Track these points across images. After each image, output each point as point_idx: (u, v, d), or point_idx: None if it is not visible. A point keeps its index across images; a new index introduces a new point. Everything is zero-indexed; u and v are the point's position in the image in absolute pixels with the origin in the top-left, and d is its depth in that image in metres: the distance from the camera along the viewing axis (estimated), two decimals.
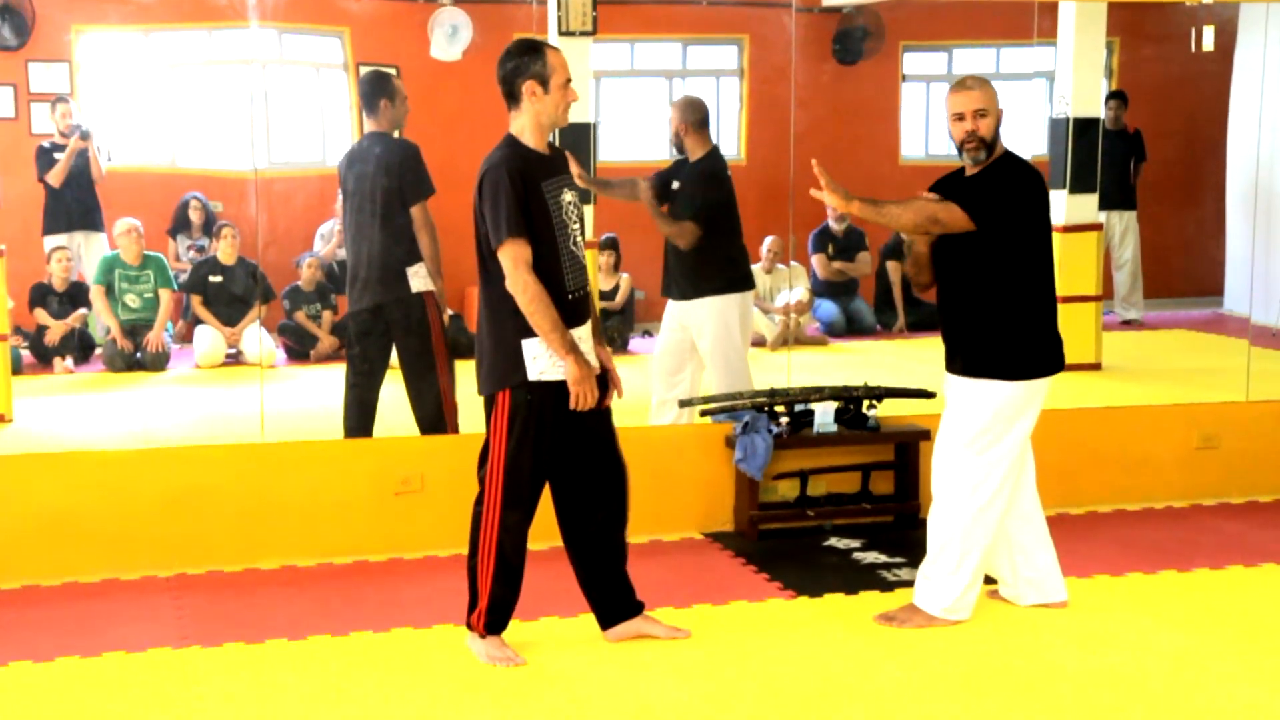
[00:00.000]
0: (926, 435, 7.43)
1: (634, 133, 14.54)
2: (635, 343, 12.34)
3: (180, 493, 6.79)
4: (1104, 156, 11.43)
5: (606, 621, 5.79)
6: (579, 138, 9.75)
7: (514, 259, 5.28)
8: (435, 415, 7.74)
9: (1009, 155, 5.83)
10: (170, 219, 12.89)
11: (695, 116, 7.95)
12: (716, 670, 5.44)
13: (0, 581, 6.51)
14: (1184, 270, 15.30)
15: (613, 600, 5.78)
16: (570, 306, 5.41)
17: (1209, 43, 13.73)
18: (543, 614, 6.02)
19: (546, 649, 5.65)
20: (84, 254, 11.95)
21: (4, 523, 6.58)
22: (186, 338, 11.94)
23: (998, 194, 5.73)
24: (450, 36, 12.80)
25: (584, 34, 9.83)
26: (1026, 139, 13.40)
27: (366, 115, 7.82)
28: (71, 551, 6.62)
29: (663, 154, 14.07)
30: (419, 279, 7.69)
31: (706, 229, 7.79)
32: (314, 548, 6.89)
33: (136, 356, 11.24)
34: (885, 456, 7.54)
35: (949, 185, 5.85)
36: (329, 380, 10.94)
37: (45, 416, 9.54)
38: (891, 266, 13.24)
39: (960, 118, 5.83)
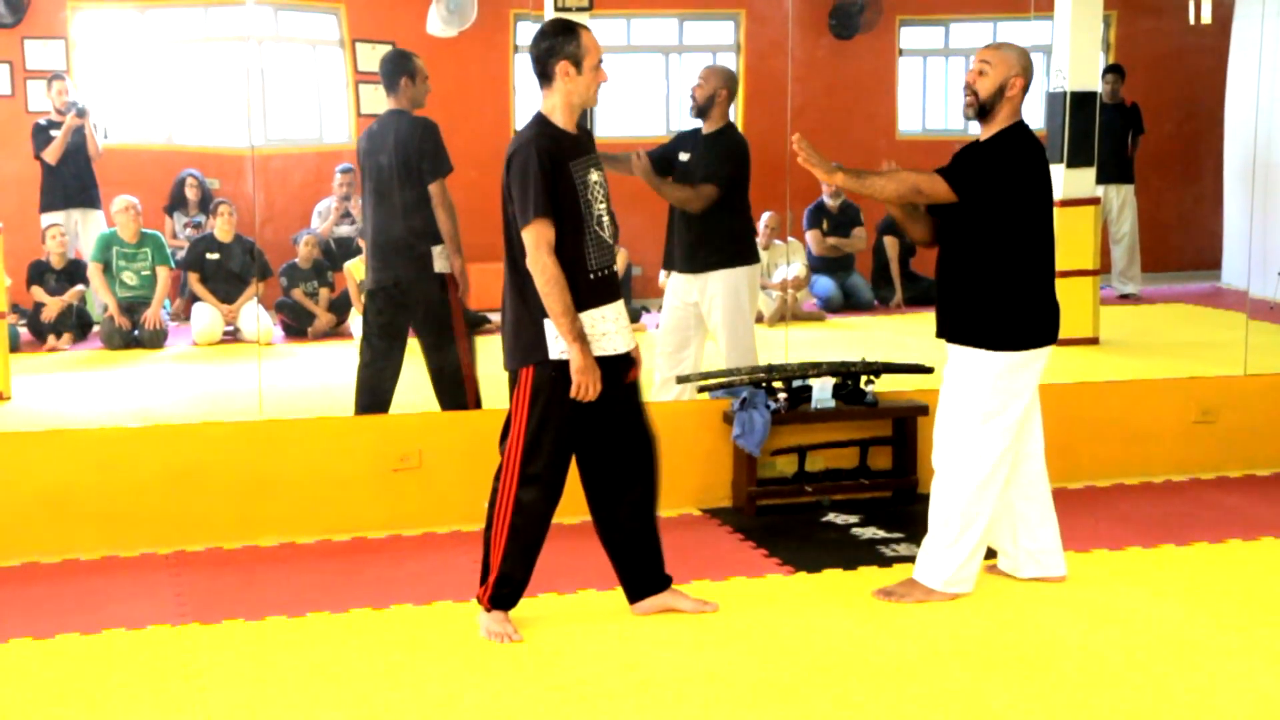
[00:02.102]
0: (924, 410, 7.43)
1: (630, 108, 14.52)
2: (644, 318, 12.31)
3: (179, 470, 6.79)
4: (1101, 130, 11.42)
5: (635, 595, 5.79)
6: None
7: (536, 239, 5.29)
8: (456, 393, 7.75)
9: (1014, 127, 5.79)
10: (167, 196, 12.88)
11: (734, 85, 8.00)
12: (715, 646, 5.45)
13: (0, 559, 6.52)
14: (1181, 244, 15.32)
15: (642, 574, 5.78)
16: (593, 286, 5.41)
17: (1207, 16, 13.71)
18: (542, 590, 6.02)
19: (546, 625, 5.66)
20: (81, 231, 11.95)
21: (3, 500, 6.58)
22: (184, 315, 11.95)
23: (984, 166, 5.72)
24: (453, 13, 12.77)
25: (580, 10, 9.82)
26: (1024, 113, 13.39)
27: (387, 93, 7.80)
28: (70, 529, 6.63)
29: (658, 129, 14.13)
30: (441, 259, 7.66)
31: (722, 201, 7.79)
32: (313, 525, 6.89)
33: (134, 334, 11.24)
34: (883, 432, 7.54)
35: (957, 153, 5.84)
36: (327, 357, 10.99)
37: (43, 394, 9.54)
38: (889, 242, 13.24)
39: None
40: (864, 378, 7.53)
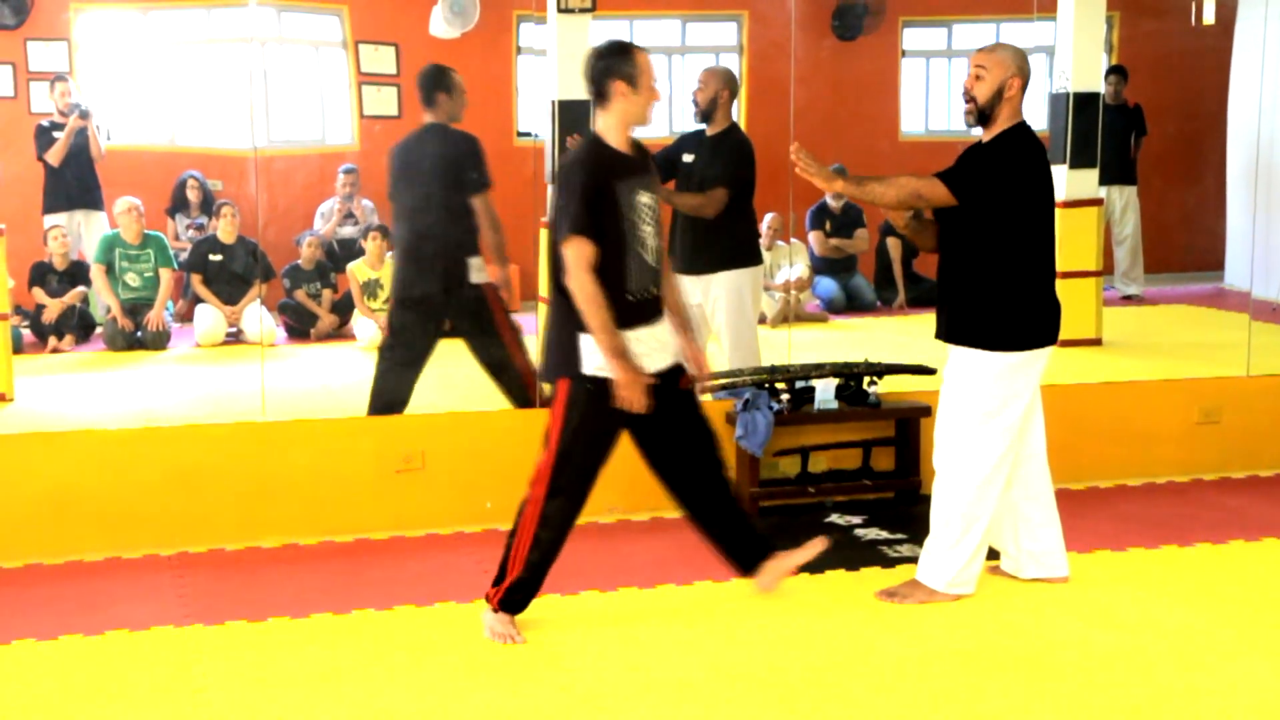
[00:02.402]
0: (927, 411, 7.43)
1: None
2: None
3: (182, 471, 6.80)
4: (1104, 131, 11.41)
5: (749, 568, 5.83)
6: (577, 115, 9.73)
7: (575, 257, 5.32)
8: (523, 393, 7.81)
9: (1015, 128, 5.79)
10: (169, 198, 12.88)
11: (735, 86, 8.03)
12: (718, 647, 5.45)
13: (3, 560, 6.51)
14: (1184, 245, 15.31)
15: (747, 547, 5.83)
16: (630, 307, 5.43)
17: (1209, 17, 13.70)
18: (545, 591, 6.02)
19: (548, 626, 5.66)
20: (84, 233, 11.95)
21: (6, 502, 6.59)
22: (187, 316, 11.95)
23: (985, 168, 5.72)
24: (456, 15, 12.77)
25: (583, 11, 9.81)
26: (1027, 114, 13.39)
27: (424, 107, 7.85)
28: (73, 530, 6.63)
29: (661, 130, 14.11)
30: (478, 271, 7.73)
31: (730, 201, 7.81)
32: (315, 526, 6.90)
33: (137, 335, 11.23)
34: (886, 433, 7.54)
35: (960, 156, 5.84)
36: (329, 359, 10.98)
37: (46, 396, 9.54)
38: (891, 243, 13.23)
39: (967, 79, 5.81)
40: (867, 379, 7.53)
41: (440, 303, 7.73)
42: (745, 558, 5.85)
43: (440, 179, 7.65)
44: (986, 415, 5.79)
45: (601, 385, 5.38)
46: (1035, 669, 5.21)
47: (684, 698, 4.97)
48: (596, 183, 5.36)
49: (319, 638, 5.57)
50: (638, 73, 5.44)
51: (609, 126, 5.49)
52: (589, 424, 5.45)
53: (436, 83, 7.80)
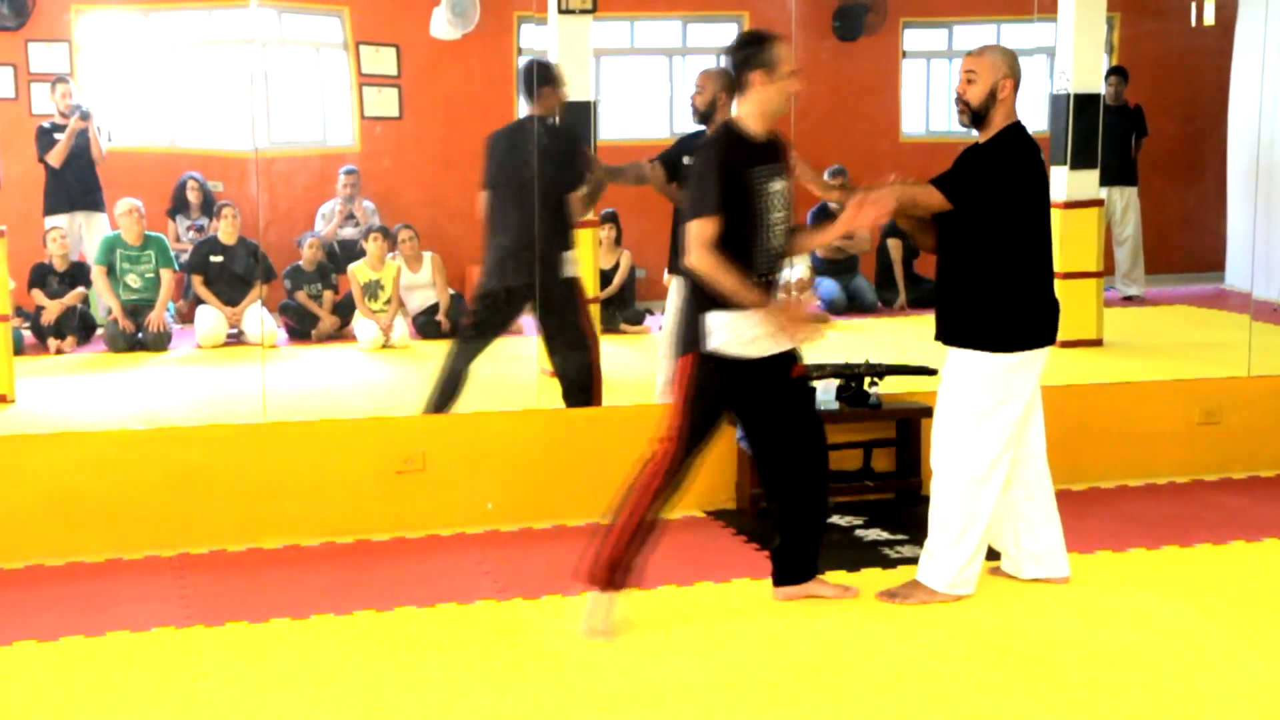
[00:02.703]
0: (928, 412, 7.41)
1: (634, 111, 14.53)
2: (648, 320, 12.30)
3: (183, 472, 6.80)
4: (1105, 132, 11.41)
5: (781, 580, 5.94)
6: (579, 116, 9.75)
7: (697, 236, 5.42)
8: (581, 391, 7.91)
9: (1008, 130, 5.78)
10: (170, 199, 12.89)
11: (733, 87, 7.99)
12: (719, 648, 5.45)
13: (4, 561, 6.52)
14: (1185, 246, 15.31)
15: (796, 563, 5.92)
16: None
17: (1210, 17, 13.71)
18: (546, 592, 6.03)
19: (549, 628, 5.66)
20: (85, 234, 11.96)
21: (7, 503, 6.59)
22: (188, 318, 11.96)
23: (980, 170, 5.72)
24: (458, 16, 12.79)
25: (584, 12, 9.82)
26: (1027, 115, 13.38)
27: (526, 99, 7.98)
28: (75, 531, 6.63)
29: (662, 131, 14.13)
30: (571, 265, 7.85)
31: None
32: (317, 527, 6.90)
33: (138, 337, 11.24)
34: (887, 434, 7.54)
35: (956, 159, 5.83)
36: (330, 360, 10.99)
37: (47, 397, 9.55)
38: (892, 244, 13.24)
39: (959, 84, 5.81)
40: (867, 380, 7.53)
41: (529, 294, 7.85)
42: (790, 570, 5.93)
43: (541, 173, 7.75)
44: (982, 415, 5.79)
45: (720, 364, 5.52)
46: (1036, 669, 5.21)
47: (685, 699, 4.97)
48: (728, 167, 5.46)
49: (320, 639, 5.57)
50: (775, 63, 5.54)
51: (746, 114, 5.60)
52: (702, 400, 5.56)
53: (542, 76, 7.96)
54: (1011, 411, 5.81)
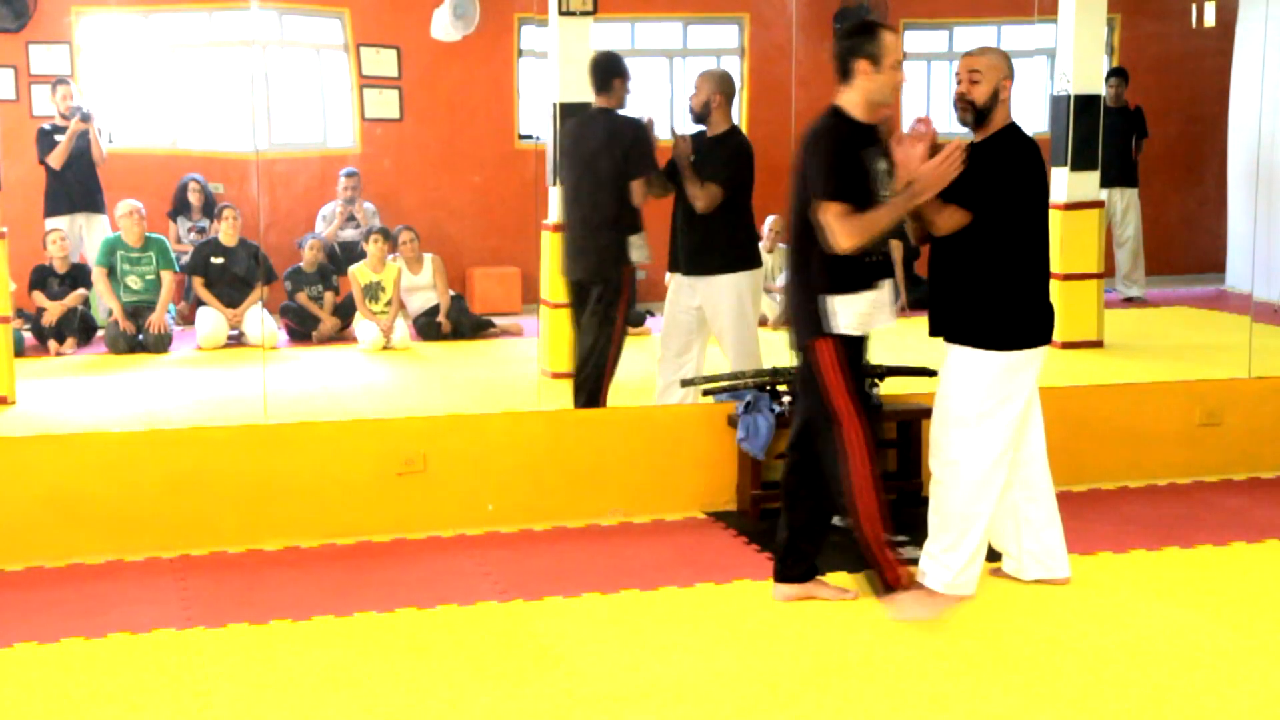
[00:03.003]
0: (928, 413, 7.38)
1: (635, 111, 14.50)
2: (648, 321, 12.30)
3: (183, 474, 6.80)
4: (1105, 134, 11.41)
5: (782, 578, 5.99)
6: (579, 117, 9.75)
7: (833, 219, 5.49)
8: (594, 382, 8.04)
9: (1009, 129, 5.80)
10: (171, 201, 12.89)
11: (729, 89, 8.08)
12: (720, 649, 5.45)
13: (4, 563, 6.51)
14: (1186, 247, 15.31)
15: (798, 561, 5.98)
16: (869, 269, 5.67)
17: (1210, 19, 13.70)
18: (545, 594, 6.03)
19: (549, 629, 5.66)
20: (86, 236, 11.96)
21: (7, 504, 6.59)
22: (188, 319, 11.96)
23: (980, 171, 5.71)
24: (459, 18, 12.79)
25: (584, 13, 9.82)
26: (1028, 116, 13.37)
27: (596, 93, 8.11)
28: (75, 533, 6.63)
29: (663, 133, 14.10)
30: (637, 250, 8.00)
31: (726, 204, 7.85)
32: (317, 528, 6.90)
33: (138, 338, 11.24)
34: (887, 435, 7.53)
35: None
36: (331, 361, 10.99)
37: (48, 398, 9.55)
38: (892, 245, 13.20)
39: (959, 80, 5.81)
40: (867, 380, 7.51)
41: (592, 279, 8.00)
42: (794, 565, 5.97)
43: (607, 161, 7.89)
44: (983, 415, 5.79)
45: (853, 342, 5.65)
46: (1037, 671, 5.21)
47: (685, 700, 4.97)
48: (846, 150, 5.55)
49: (321, 640, 5.57)
50: (882, 53, 5.61)
51: (852, 102, 5.68)
52: (855, 374, 5.70)
53: (612, 69, 8.07)
54: (1012, 411, 5.81)
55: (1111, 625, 5.68)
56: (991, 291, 5.77)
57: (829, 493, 5.84)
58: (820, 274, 5.60)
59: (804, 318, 5.70)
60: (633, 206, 7.91)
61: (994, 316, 5.78)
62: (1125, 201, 13.86)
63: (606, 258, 7.94)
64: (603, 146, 7.93)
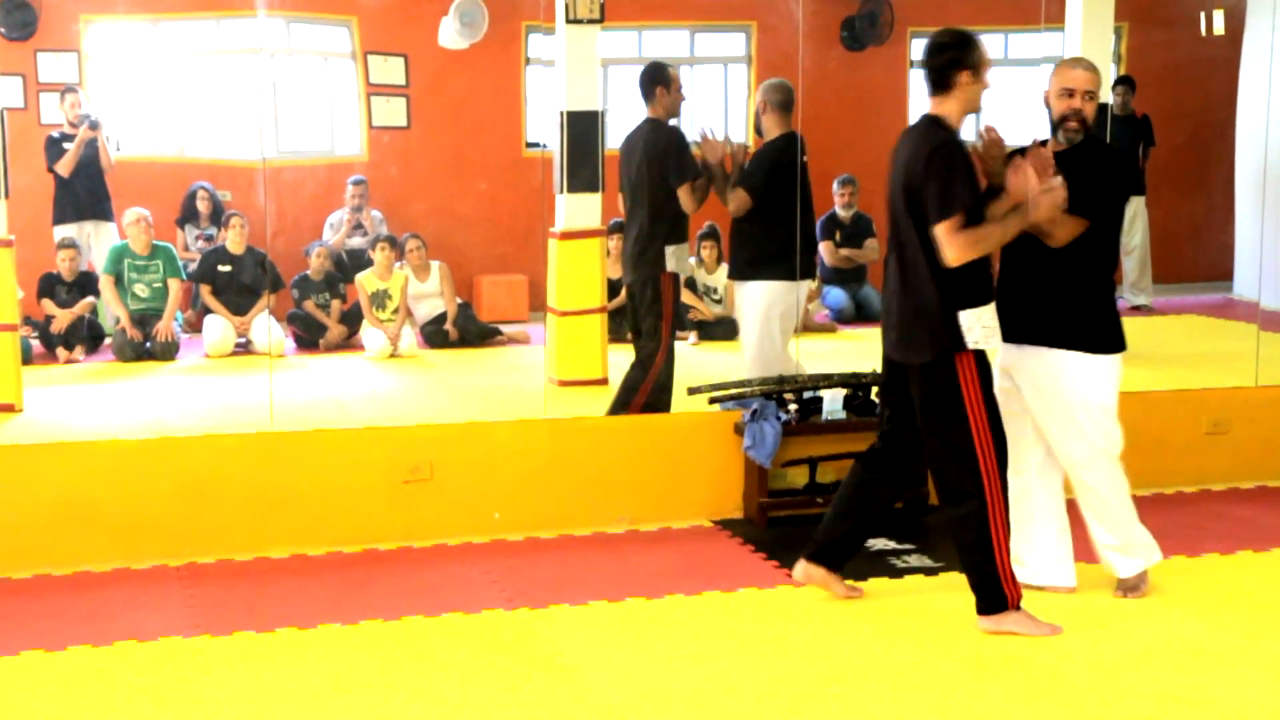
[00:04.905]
0: None
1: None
2: None
3: (190, 482, 6.80)
4: (1112, 142, 11.40)
5: (811, 556, 6.06)
6: (586, 125, 9.76)
7: (947, 235, 5.48)
8: (634, 385, 8.14)
9: (1096, 137, 5.96)
10: (179, 209, 12.90)
11: (774, 97, 8.22)
12: (727, 657, 5.45)
13: (11, 570, 6.52)
14: (1193, 255, 15.29)
15: (835, 548, 6.04)
16: (988, 281, 5.69)
17: (1219, 27, 13.69)
18: (552, 602, 6.03)
19: (556, 637, 5.66)
20: (94, 243, 11.96)
21: (15, 512, 6.60)
22: (196, 327, 11.96)
23: (1098, 184, 5.82)
24: (466, 26, 12.80)
25: (591, 21, 9.83)
26: (1034, 125, 13.36)
27: (644, 102, 8.21)
28: (82, 540, 6.64)
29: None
30: (675, 259, 8.07)
31: (756, 211, 7.93)
32: (324, 536, 6.90)
33: (146, 346, 11.24)
34: None
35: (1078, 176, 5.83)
36: (338, 369, 11.00)
37: (55, 406, 9.55)
38: None
39: (1070, 94, 5.87)
40: (875, 389, 7.52)
41: (640, 288, 8.12)
42: (829, 550, 6.05)
43: (646, 170, 8.04)
44: (1107, 410, 5.99)
45: (981, 357, 5.62)
46: (1043, 678, 5.21)
47: (692, 708, 4.97)
48: (962, 163, 5.56)
49: (327, 648, 5.58)
50: (982, 63, 5.66)
51: (950, 111, 5.69)
52: (989, 392, 5.65)
53: (655, 78, 8.17)
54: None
55: (1118, 633, 5.68)
56: (1102, 295, 5.95)
57: (898, 488, 6.04)
58: (940, 286, 5.56)
59: (926, 332, 5.64)
60: (671, 215, 8.03)
61: (1105, 320, 5.97)
62: (1132, 210, 13.82)
63: (643, 265, 8.07)
64: (641, 156, 8.08)
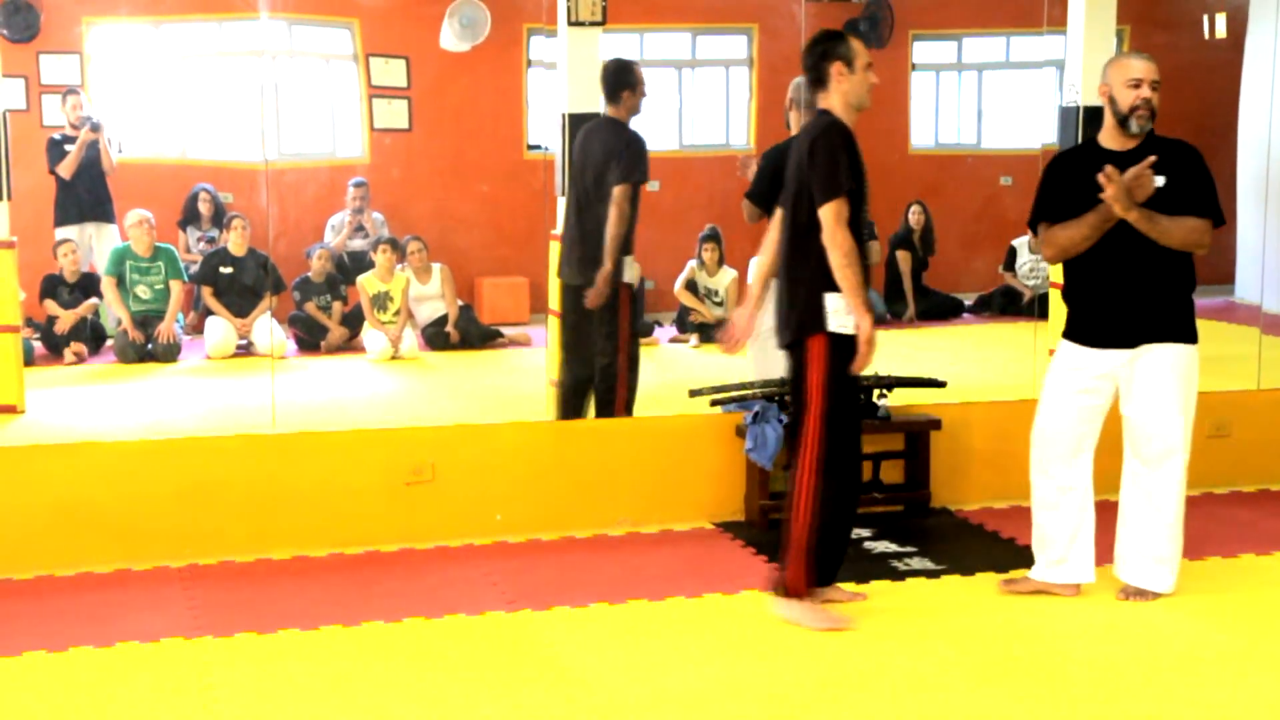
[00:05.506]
0: (937, 424, 7.44)
1: (644, 121, 14.52)
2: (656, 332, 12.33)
3: (192, 483, 6.80)
4: None
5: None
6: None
7: (837, 215, 5.55)
8: (606, 398, 8.01)
9: (1168, 139, 5.97)
10: (180, 211, 12.91)
11: (801, 98, 8.15)
12: (729, 659, 5.44)
13: (13, 572, 6.52)
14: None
15: (823, 565, 5.94)
16: (865, 271, 5.71)
17: (1221, 30, 13.69)
18: (553, 604, 6.03)
19: (557, 639, 5.66)
20: (95, 245, 11.97)
21: (17, 513, 6.60)
22: (197, 329, 11.97)
23: (1206, 183, 5.94)
24: (466, 28, 12.80)
25: (593, 24, 9.82)
26: (1037, 127, 13.36)
27: (606, 102, 8.14)
28: (84, 542, 6.64)
29: (672, 143, 14.15)
30: (629, 269, 7.96)
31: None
32: (325, 538, 6.90)
33: (148, 348, 11.25)
34: (895, 446, 7.53)
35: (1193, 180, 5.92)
36: (339, 371, 11.00)
37: (57, 407, 9.56)
38: (901, 256, 13.22)
39: (1138, 84, 5.89)
40: (876, 391, 7.52)
41: (582, 293, 7.98)
42: (819, 571, 5.96)
43: (598, 171, 7.93)
44: (1190, 405, 6.06)
45: (844, 342, 5.62)
46: (1045, 681, 5.21)
47: (693, 711, 4.97)
48: (850, 151, 5.63)
49: (328, 650, 5.58)
50: (853, 55, 5.74)
51: (832, 106, 5.76)
52: (842, 379, 5.68)
53: (623, 80, 8.09)
54: None
55: (1119, 636, 5.67)
56: (1190, 287, 6.07)
57: (857, 490, 6.01)
58: (816, 270, 5.63)
59: (795, 314, 5.73)
60: (628, 224, 7.90)
61: (1193, 311, 6.08)
62: None
63: (593, 270, 7.90)
64: (596, 157, 7.97)
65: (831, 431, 5.67)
